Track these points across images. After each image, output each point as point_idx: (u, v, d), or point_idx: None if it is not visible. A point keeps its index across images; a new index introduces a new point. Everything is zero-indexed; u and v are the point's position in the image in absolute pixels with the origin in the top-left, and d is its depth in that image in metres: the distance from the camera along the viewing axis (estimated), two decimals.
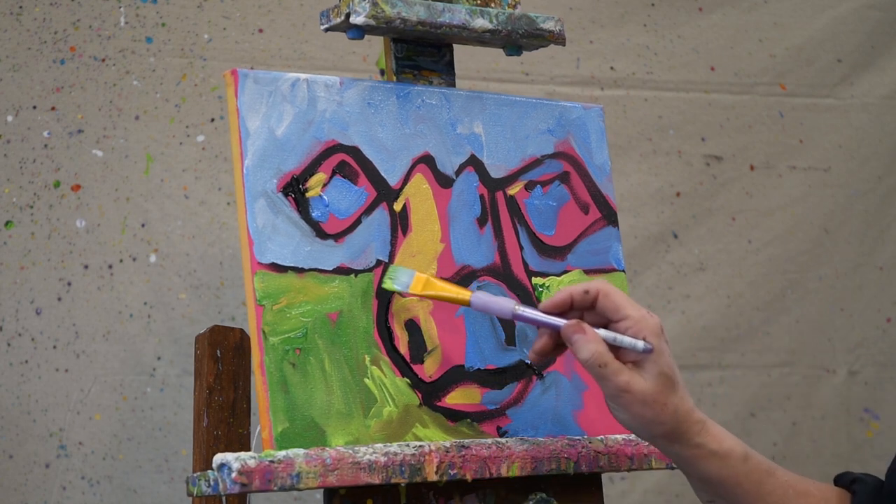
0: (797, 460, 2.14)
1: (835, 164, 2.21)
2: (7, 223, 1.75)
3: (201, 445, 1.37)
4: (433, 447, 1.20)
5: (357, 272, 1.25)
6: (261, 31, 1.88)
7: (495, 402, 1.30)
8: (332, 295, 1.23)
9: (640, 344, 1.14)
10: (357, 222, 1.26)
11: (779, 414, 2.15)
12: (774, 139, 2.18)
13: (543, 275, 1.37)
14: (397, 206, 1.29)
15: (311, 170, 1.25)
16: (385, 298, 1.26)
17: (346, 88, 1.29)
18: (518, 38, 1.37)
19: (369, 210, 1.27)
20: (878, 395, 2.22)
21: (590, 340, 1.15)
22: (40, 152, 1.77)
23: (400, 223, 1.29)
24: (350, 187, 1.27)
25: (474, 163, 1.35)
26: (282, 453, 1.13)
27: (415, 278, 1.24)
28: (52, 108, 1.78)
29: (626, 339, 1.15)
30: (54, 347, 1.76)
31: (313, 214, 1.24)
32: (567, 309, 1.18)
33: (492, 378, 1.31)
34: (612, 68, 2.08)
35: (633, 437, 1.32)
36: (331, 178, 1.26)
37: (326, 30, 1.31)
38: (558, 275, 1.38)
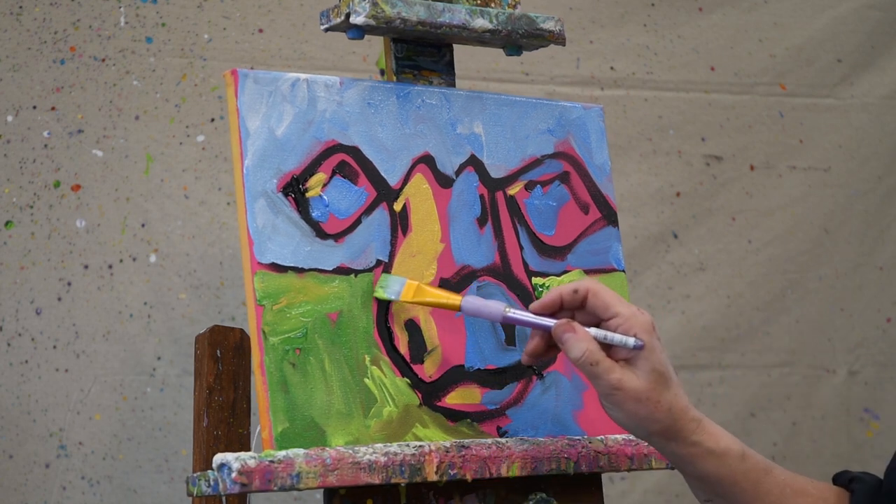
0: (797, 460, 2.14)
1: (835, 164, 2.21)
2: (7, 223, 1.75)
3: (201, 445, 1.37)
4: (433, 447, 1.20)
5: (357, 272, 1.25)
6: (261, 31, 1.88)
7: (495, 402, 1.30)
8: (332, 295, 1.23)
9: (631, 341, 1.14)
10: (357, 222, 1.26)
11: (779, 414, 2.15)
12: (774, 139, 2.18)
13: (543, 275, 1.37)
14: (397, 206, 1.29)
15: (311, 170, 1.25)
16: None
17: (346, 88, 1.29)
18: (518, 38, 1.37)
19: (369, 210, 1.27)
20: (878, 395, 2.22)
21: (580, 339, 1.15)
22: (40, 152, 1.77)
23: (400, 223, 1.29)
24: (350, 187, 1.27)
25: (474, 163, 1.35)
26: (282, 453, 1.13)
27: (405, 286, 1.24)
28: (52, 108, 1.78)
29: (617, 337, 1.15)
30: (54, 347, 1.76)
31: (313, 214, 1.24)
32: (557, 309, 1.18)
33: (492, 378, 1.31)
34: (612, 68, 2.08)
35: (633, 437, 1.32)
36: (331, 178, 1.26)
37: (326, 30, 1.31)
38: (558, 275, 1.38)
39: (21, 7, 1.77)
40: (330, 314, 1.23)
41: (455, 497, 1.26)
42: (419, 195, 1.31)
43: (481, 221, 1.34)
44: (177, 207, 1.82)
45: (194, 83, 1.84)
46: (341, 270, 1.24)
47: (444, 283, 1.30)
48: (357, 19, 1.28)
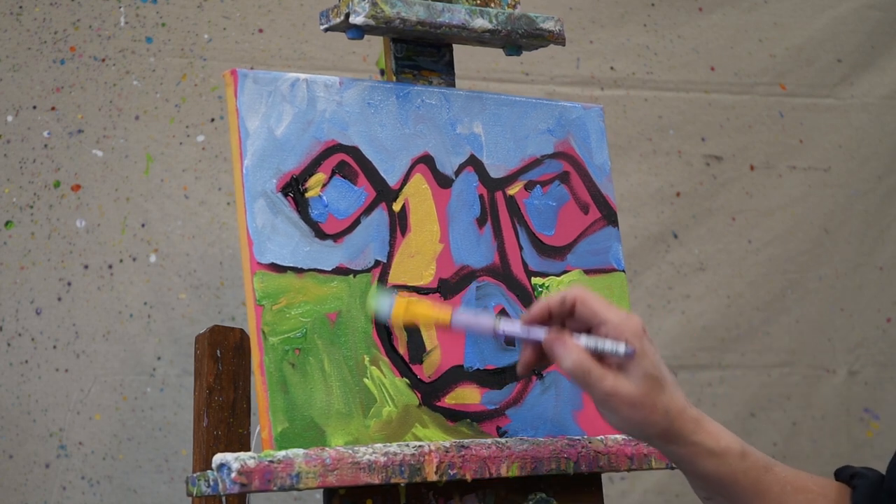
0: (797, 460, 2.14)
1: (835, 164, 2.21)
2: (7, 223, 1.75)
3: (201, 445, 1.37)
4: (433, 447, 1.20)
5: (356, 272, 1.25)
6: (261, 31, 1.88)
7: (495, 402, 1.30)
8: (331, 295, 1.23)
9: (622, 348, 1.14)
10: (356, 222, 1.26)
11: (779, 414, 2.15)
12: (774, 139, 2.18)
13: (543, 275, 1.37)
14: (396, 207, 1.29)
15: (310, 170, 1.25)
16: None
17: (346, 88, 1.29)
18: (518, 38, 1.37)
19: (368, 210, 1.27)
20: (878, 395, 2.22)
21: (570, 350, 1.14)
22: (40, 152, 1.77)
23: (399, 223, 1.29)
24: (349, 187, 1.27)
25: (474, 163, 1.35)
26: (281, 453, 1.13)
27: (395, 304, 1.22)
28: (52, 108, 1.78)
29: (608, 344, 1.14)
30: (54, 347, 1.76)
31: (312, 214, 1.24)
32: (547, 319, 1.18)
33: (491, 378, 1.31)
34: (612, 68, 2.08)
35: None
36: (330, 178, 1.26)
37: (326, 30, 1.31)
38: (558, 275, 1.38)
39: (21, 7, 1.77)
40: (329, 314, 1.23)
41: (455, 497, 1.26)
42: (418, 195, 1.30)
43: (481, 221, 1.34)
44: (177, 207, 1.82)
45: (194, 83, 1.84)
46: (340, 271, 1.24)
47: (442, 284, 1.30)
48: (356, 19, 1.28)
